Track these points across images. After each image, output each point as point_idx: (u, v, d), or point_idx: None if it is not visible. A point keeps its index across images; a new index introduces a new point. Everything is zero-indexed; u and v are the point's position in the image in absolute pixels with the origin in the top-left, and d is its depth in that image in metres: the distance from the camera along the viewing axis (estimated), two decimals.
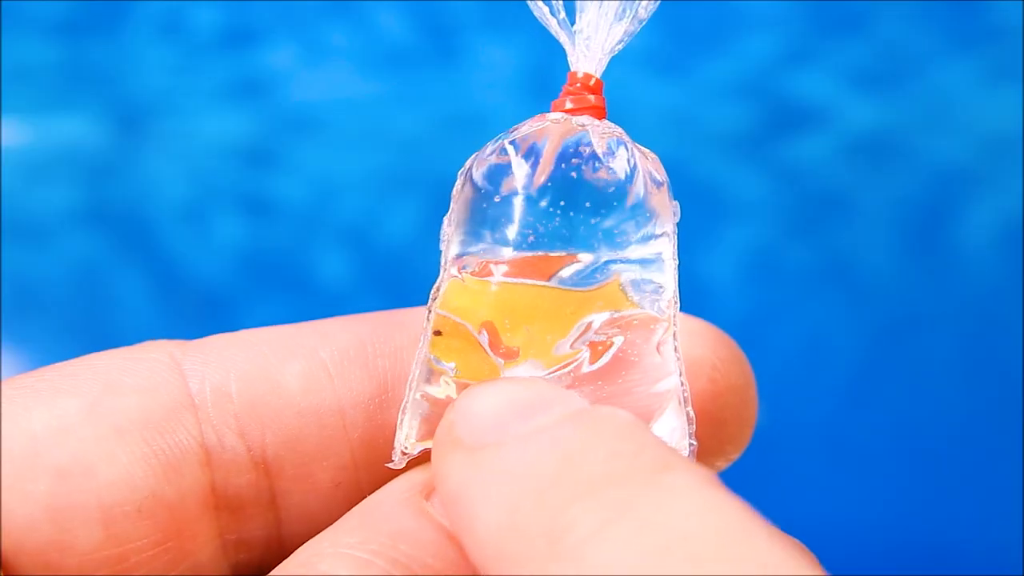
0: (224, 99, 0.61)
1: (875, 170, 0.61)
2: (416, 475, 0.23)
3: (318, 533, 0.23)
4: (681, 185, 0.23)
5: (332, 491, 0.24)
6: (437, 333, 0.22)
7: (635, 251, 0.22)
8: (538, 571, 0.17)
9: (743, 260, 0.58)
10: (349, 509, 0.23)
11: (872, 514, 0.52)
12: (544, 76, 0.58)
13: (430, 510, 0.22)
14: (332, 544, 0.21)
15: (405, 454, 0.23)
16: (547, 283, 0.21)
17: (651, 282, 0.22)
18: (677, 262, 0.22)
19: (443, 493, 0.20)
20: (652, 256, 0.22)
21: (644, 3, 0.21)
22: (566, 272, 0.21)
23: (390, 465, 0.23)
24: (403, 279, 0.57)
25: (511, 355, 0.21)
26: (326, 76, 0.61)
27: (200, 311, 0.57)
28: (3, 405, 0.22)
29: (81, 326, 0.57)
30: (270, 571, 0.24)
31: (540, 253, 0.21)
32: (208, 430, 0.23)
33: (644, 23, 0.22)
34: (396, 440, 0.23)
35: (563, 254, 0.21)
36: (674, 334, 0.22)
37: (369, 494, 0.23)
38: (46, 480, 0.21)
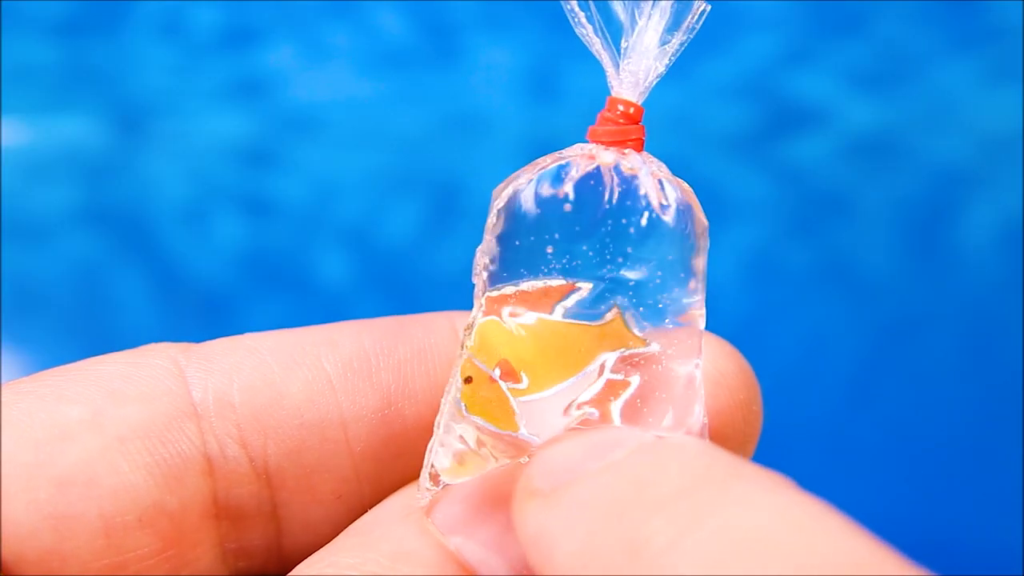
0: (224, 99, 0.61)
1: (875, 170, 0.61)
2: (414, 492, 0.22)
3: (319, 543, 0.22)
4: None
5: (334, 503, 0.24)
6: (467, 380, 0.22)
7: (657, 283, 0.21)
8: None
9: (743, 260, 0.58)
10: (350, 521, 0.23)
11: (872, 514, 0.52)
12: (544, 76, 0.58)
13: (431, 528, 0.21)
14: (332, 565, 0.21)
15: (429, 491, 0.22)
16: (557, 318, 0.21)
17: (661, 311, 0.21)
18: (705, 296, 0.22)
19: (523, 540, 0.19)
20: (678, 293, 0.21)
21: (687, 29, 0.21)
22: (569, 302, 0.21)
23: (415, 503, 0.23)
24: (403, 279, 0.57)
25: (518, 382, 0.21)
26: (326, 76, 0.61)
27: (200, 311, 0.57)
28: (6, 411, 0.22)
29: (81, 326, 0.57)
30: None
31: (546, 284, 0.21)
32: (210, 439, 0.23)
33: (683, 49, 0.21)
34: (421, 477, 0.22)
35: (563, 283, 0.21)
36: (696, 365, 0.22)
37: (371, 507, 0.23)
38: (48, 489, 0.21)
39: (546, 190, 0.21)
